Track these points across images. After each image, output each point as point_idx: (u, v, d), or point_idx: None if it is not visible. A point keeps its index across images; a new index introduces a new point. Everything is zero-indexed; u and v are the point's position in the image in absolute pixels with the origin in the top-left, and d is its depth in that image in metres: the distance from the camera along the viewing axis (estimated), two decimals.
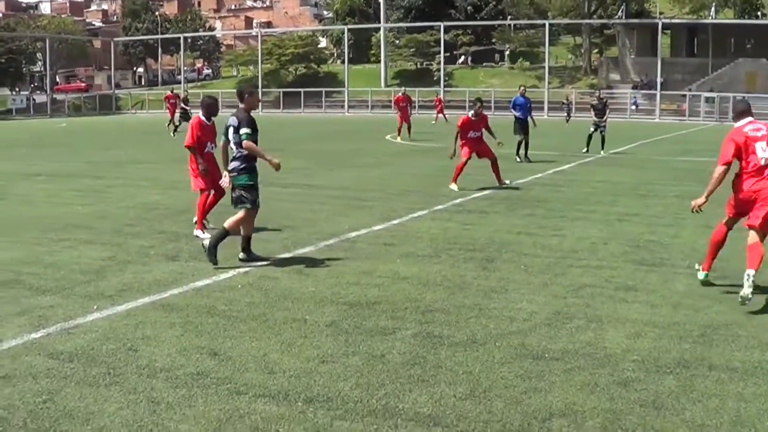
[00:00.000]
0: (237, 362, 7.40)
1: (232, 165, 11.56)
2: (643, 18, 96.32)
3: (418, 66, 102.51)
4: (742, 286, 9.30)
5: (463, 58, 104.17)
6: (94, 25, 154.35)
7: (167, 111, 45.91)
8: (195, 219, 13.95)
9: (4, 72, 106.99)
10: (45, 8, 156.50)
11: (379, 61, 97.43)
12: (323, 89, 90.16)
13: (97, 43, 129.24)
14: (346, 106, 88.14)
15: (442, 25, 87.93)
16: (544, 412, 6.29)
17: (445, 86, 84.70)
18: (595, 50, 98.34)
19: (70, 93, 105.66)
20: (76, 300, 9.60)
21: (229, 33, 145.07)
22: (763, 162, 9.99)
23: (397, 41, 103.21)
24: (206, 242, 11.34)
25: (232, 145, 11.55)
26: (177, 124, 42.33)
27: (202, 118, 13.97)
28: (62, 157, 31.58)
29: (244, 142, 11.31)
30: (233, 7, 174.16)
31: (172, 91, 49.41)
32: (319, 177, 22.95)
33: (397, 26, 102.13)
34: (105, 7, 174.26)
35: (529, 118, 28.30)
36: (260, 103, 12.38)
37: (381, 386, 6.82)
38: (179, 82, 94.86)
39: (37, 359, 7.46)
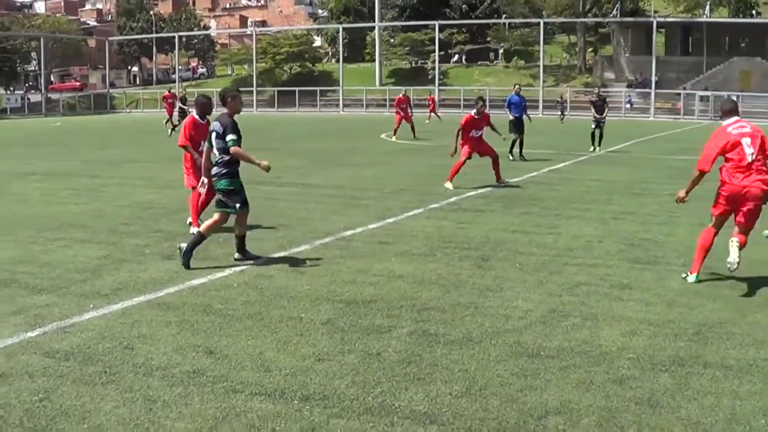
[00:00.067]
0: (233, 360, 7.41)
1: (214, 170, 11.47)
2: (637, 17, 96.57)
3: (413, 65, 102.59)
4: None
5: (456, 57, 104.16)
6: (88, 24, 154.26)
7: (165, 111, 45.73)
8: (189, 219, 13.96)
9: None
10: (39, 7, 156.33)
11: (374, 60, 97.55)
12: (318, 88, 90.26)
13: (92, 42, 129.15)
14: (340, 105, 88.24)
15: (437, 23, 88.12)
16: (540, 410, 6.30)
17: (439, 85, 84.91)
18: (590, 49, 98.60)
19: (64, 92, 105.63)
20: (71, 299, 9.60)
21: (223, 32, 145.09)
22: (750, 159, 10.23)
23: (392, 40, 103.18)
24: (182, 245, 11.29)
25: (214, 150, 11.46)
26: (175, 123, 42.25)
27: (196, 117, 13.97)
28: (57, 156, 31.55)
29: (232, 149, 11.21)
30: (228, 6, 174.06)
31: (169, 91, 49.27)
32: (314, 176, 22.96)
33: (392, 25, 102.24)
34: (99, 6, 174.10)
35: (524, 116, 28.39)
36: (243, 106, 12.26)
37: (377, 384, 6.83)
38: (174, 81, 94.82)
39: (33, 358, 7.46)
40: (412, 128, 39.05)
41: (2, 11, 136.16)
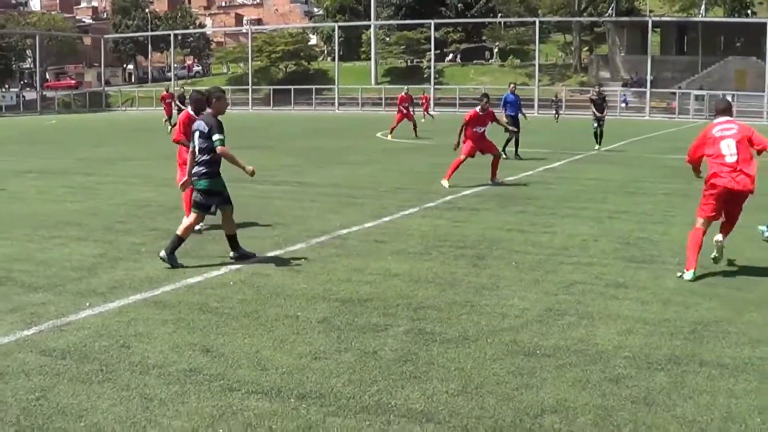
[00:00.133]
0: (229, 359, 7.41)
1: (194, 170, 11.41)
2: (633, 16, 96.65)
3: (409, 63, 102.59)
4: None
5: (451, 55, 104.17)
6: (84, 22, 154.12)
7: (164, 110, 45.57)
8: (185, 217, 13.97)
9: None
10: (35, 5, 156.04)
11: (370, 59, 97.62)
12: (313, 86, 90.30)
13: (87, 40, 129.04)
14: (336, 104, 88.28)
15: (432, 22, 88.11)
16: (536, 408, 6.31)
17: (435, 84, 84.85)
18: (585, 48, 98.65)
19: (60, 90, 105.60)
20: (68, 297, 9.59)
21: (219, 30, 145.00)
22: (730, 159, 10.58)
23: (388, 38, 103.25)
24: (161, 254, 11.18)
25: (196, 150, 11.40)
26: (175, 122, 42.20)
27: (191, 113, 13.97)
28: (53, 154, 31.55)
29: (219, 149, 11.14)
30: (223, 4, 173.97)
31: (167, 91, 49.20)
32: (309, 174, 22.96)
33: (388, 23, 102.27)
34: (95, 4, 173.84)
35: (519, 115, 28.44)
36: (227, 106, 12.24)
37: (373, 382, 6.83)
38: (169, 80, 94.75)
39: (30, 356, 7.46)
40: (414, 127, 39.05)
41: None
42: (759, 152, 11.00)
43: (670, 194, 18.53)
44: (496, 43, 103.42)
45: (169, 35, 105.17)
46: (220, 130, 11.20)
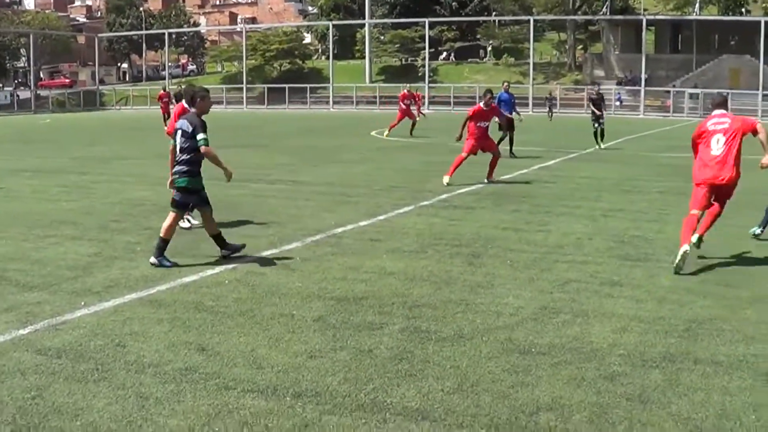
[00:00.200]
0: (225, 357, 7.42)
1: (175, 168, 11.38)
2: (627, 14, 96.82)
3: (403, 62, 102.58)
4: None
5: (445, 54, 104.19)
6: (78, 20, 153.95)
7: (161, 109, 45.38)
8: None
9: None
10: (29, 4, 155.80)
11: (364, 57, 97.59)
12: (308, 85, 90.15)
13: (81, 39, 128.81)
14: (330, 102, 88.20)
15: (426, 21, 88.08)
16: (532, 406, 6.32)
17: (429, 82, 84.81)
18: (580, 46, 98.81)
19: (54, 89, 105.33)
20: (63, 296, 9.59)
21: (213, 29, 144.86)
22: (716, 152, 11.17)
23: (382, 37, 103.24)
24: (152, 260, 11.14)
25: (177, 148, 11.37)
26: None
27: (186, 105, 13.97)
28: (47, 153, 31.50)
29: (203, 148, 11.07)
30: (218, 2, 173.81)
31: (164, 90, 49.07)
32: (304, 173, 22.95)
33: (382, 22, 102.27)
34: (89, 2, 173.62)
35: (513, 113, 28.47)
36: (211, 106, 12.23)
37: (369, 381, 6.84)
38: (164, 78, 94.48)
39: (25, 355, 7.46)
40: (413, 125, 39.05)
41: None
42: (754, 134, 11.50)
43: (664, 192, 18.56)
44: (490, 42, 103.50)
45: (164, 34, 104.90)
46: (204, 130, 11.17)
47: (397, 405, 6.35)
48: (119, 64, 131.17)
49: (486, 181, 20.29)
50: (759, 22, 74.24)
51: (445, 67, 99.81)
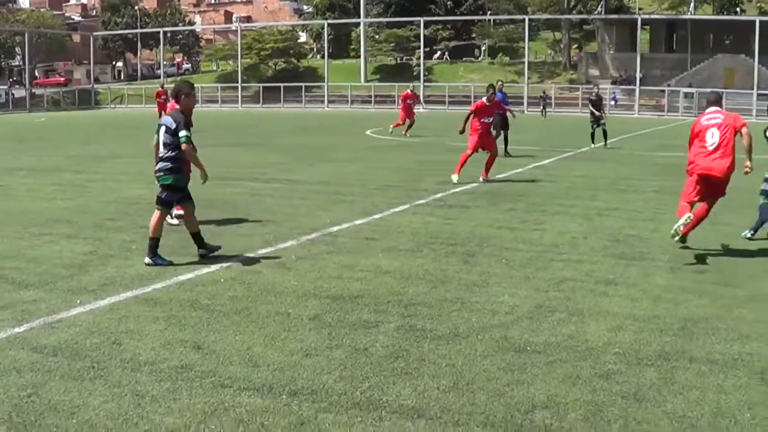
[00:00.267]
0: (221, 356, 7.42)
1: (159, 165, 11.38)
2: (622, 13, 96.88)
3: (398, 61, 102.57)
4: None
5: (439, 53, 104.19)
6: (73, 19, 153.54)
7: (157, 107, 45.19)
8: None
9: None
10: (24, 2, 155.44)
11: (359, 56, 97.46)
12: (303, 84, 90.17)
13: (76, 38, 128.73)
14: (325, 101, 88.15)
15: (422, 20, 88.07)
16: (527, 404, 6.34)
17: (424, 81, 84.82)
18: (575, 46, 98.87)
19: (49, 87, 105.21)
20: (59, 294, 9.59)
21: (208, 27, 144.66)
22: (711, 147, 11.51)
23: (377, 36, 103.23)
24: (146, 260, 11.09)
25: (161, 145, 11.36)
26: None
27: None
28: (42, 151, 31.47)
29: (183, 146, 11.07)
30: (213, 1, 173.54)
31: (162, 87, 48.96)
32: (299, 171, 22.94)
33: (377, 21, 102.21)
34: (84, 1, 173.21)
35: (507, 113, 28.50)
36: (196, 103, 12.24)
37: (365, 379, 6.85)
38: (159, 77, 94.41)
39: (21, 353, 7.46)
40: (410, 125, 39.09)
41: None
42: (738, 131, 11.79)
43: (659, 191, 18.58)
44: (484, 41, 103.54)
45: (159, 32, 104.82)
46: (187, 127, 11.18)
47: (392, 403, 6.36)
48: (114, 63, 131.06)
49: (481, 179, 20.31)
50: (754, 22, 74.28)
51: (440, 66, 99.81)
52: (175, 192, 11.33)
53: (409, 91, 40.88)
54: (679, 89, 73.61)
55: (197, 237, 11.58)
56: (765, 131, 13.21)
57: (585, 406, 6.30)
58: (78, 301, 9.25)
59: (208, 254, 11.51)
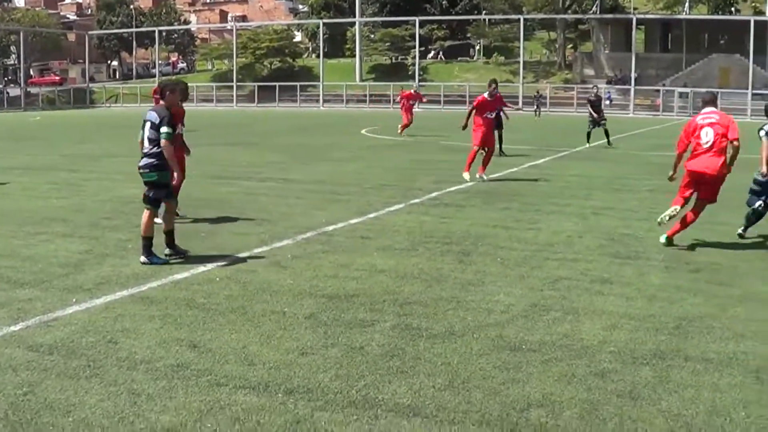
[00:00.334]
0: (217, 354, 7.42)
1: (143, 161, 11.27)
2: (617, 13, 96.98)
3: (393, 60, 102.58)
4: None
5: (433, 53, 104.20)
6: (68, 18, 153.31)
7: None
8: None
9: None
10: (19, 1, 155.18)
11: (354, 56, 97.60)
12: (298, 83, 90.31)
13: (72, 37, 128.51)
14: (321, 100, 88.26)
15: (417, 19, 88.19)
16: (522, 403, 6.35)
17: (420, 80, 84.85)
18: (570, 45, 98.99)
19: (44, 86, 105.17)
20: (54, 293, 9.58)
21: (203, 27, 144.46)
22: (705, 145, 11.84)
23: (373, 35, 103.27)
24: (142, 259, 11.05)
25: (145, 140, 11.29)
26: None
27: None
28: (37, 150, 31.42)
29: (163, 142, 10.99)
30: (208, 0, 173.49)
31: (159, 85, 48.91)
32: (294, 171, 22.94)
33: (373, 20, 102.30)
34: (79, 0, 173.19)
35: (501, 112, 28.52)
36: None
37: (361, 377, 6.86)
38: (154, 76, 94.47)
39: (17, 352, 7.46)
40: (406, 125, 39.04)
41: None
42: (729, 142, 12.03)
43: (654, 191, 18.59)
44: (478, 41, 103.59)
45: (154, 32, 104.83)
46: (169, 124, 11.12)
47: (388, 401, 6.37)
48: (109, 62, 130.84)
49: (477, 176, 20.31)
50: (748, 22, 74.53)
51: (435, 65, 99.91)
52: (160, 189, 11.25)
53: (411, 90, 40.86)
54: (674, 89, 73.74)
55: (170, 235, 11.51)
56: (759, 131, 13.25)
57: (580, 404, 6.32)
58: (74, 300, 9.24)
59: (175, 256, 11.41)
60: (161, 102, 11.58)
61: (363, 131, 41.44)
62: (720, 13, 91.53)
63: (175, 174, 11.32)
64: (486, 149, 20.64)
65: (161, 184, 11.24)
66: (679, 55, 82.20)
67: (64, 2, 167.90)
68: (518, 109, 30.19)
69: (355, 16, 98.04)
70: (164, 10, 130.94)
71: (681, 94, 71.55)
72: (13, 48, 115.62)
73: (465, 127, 20.51)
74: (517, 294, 9.65)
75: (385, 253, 11.87)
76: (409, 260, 11.44)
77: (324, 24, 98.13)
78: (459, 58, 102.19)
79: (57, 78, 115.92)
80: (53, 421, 5.98)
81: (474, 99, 21.32)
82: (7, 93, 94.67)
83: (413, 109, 40.18)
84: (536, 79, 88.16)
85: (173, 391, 6.55)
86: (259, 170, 22.92)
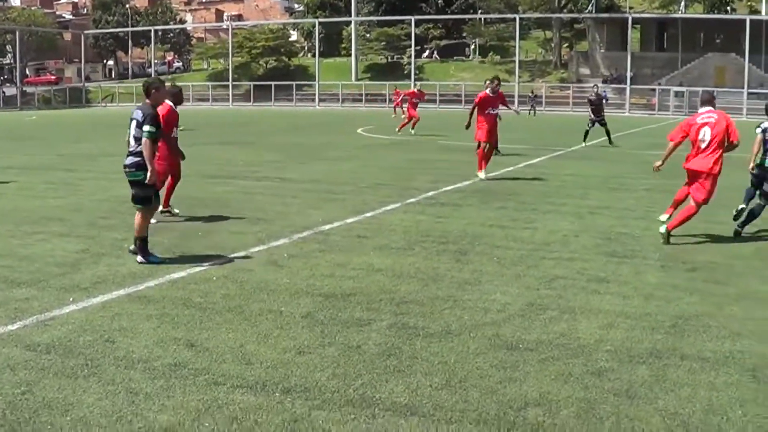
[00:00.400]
0: (214, 353, 7.43)
1: (129, 160, 11.22)
2: (613, 12, 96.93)
3: (389, 60, 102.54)
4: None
5: (428, 52, 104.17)
6: (64, 17, 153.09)
7: None
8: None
9: None
10: (15, 0, 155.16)
11: (350, 55, 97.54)
12: (294, 82, 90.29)
13: (67, 36, 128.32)
14: (316, 100, 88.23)
15: (413, 18, 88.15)
16: (520, 402, 6.36)
17: (416, 80, 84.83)
18: (566, 44, 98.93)
19: (40, 86, 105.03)
20: (51, 292, 9.58)
21: (199, 26, 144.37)
22: (702, 145, 12.17)
23: (368, 35, 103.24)
24: (139, 259, 11.04)
25: (131, 138, 11.23)
26: None
27: (171, 105, 14.05)
28: (33, 150, 31.38)
29: (144, 140, 10.93)
30: (204, 0, 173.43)
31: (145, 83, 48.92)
32: (290, 170, 22.93)
33: (368, 20, 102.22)
34: None
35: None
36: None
37: (358, 376, 6.87)
38: (149, 75, 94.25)
39: (15, 351, 7.46)
40: (404, 125, 39.02)
41: None
42: (730, 143, 12.33)
43: (651, 190, 18.61)
44: (474, 40, 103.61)
45: (150, 31, 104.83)
46: (153, 122, 11.05)
47: (385, 400, 6.38)
48: (105, 61, 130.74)
49: (477, 174, 20.33)
50: (744, 21, 74.53)
51: (431, 65, 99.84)
52: (146, 188, 11.18)
53: (415, 90, 40.82)
54: (670, 88, 73.75)
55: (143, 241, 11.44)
56: (756, 128, 13.31)
57: (577, 403, 6.33)
58: (71, 299, 9.25)
59: (134, 254, 11.32)
60: (147, 100, 11.50)
61: (359, 130, 41.42)
62: (716, 12, 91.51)
63: (149, 173, 11.10)
64: (489, 144, 20.68)
65: (148, 184, 11.17)
66: (675, 54, 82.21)
67: (59, 1, 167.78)
68: (517, 113, 30.12)
69: (350, 16, 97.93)
70: (160, 10, 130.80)
71: (677, 93, 71.57)
72: (8, 47, 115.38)
73: (468, 126, 20.56)
74: (514, 293, 9.66)
75: (381, 253, 11.88)
76: (405, 259, 11.45)
77: (320, 23, 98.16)
78: (455, 58, 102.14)
79: (53, 77, 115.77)
80: (51, 420, 5.99)
81: (476, 96, 21.32)
82: (3, 92, 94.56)
83: (415, 109, 40.26)
84: (532, 78, 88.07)
85: (171, 390, 6.56)
86: (255, 169, 22.92)
